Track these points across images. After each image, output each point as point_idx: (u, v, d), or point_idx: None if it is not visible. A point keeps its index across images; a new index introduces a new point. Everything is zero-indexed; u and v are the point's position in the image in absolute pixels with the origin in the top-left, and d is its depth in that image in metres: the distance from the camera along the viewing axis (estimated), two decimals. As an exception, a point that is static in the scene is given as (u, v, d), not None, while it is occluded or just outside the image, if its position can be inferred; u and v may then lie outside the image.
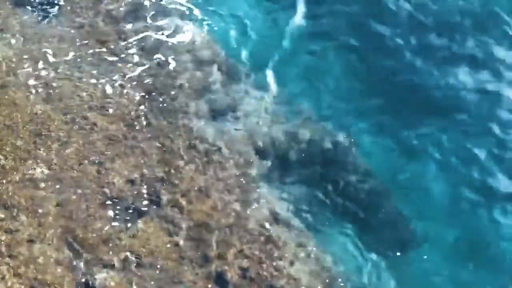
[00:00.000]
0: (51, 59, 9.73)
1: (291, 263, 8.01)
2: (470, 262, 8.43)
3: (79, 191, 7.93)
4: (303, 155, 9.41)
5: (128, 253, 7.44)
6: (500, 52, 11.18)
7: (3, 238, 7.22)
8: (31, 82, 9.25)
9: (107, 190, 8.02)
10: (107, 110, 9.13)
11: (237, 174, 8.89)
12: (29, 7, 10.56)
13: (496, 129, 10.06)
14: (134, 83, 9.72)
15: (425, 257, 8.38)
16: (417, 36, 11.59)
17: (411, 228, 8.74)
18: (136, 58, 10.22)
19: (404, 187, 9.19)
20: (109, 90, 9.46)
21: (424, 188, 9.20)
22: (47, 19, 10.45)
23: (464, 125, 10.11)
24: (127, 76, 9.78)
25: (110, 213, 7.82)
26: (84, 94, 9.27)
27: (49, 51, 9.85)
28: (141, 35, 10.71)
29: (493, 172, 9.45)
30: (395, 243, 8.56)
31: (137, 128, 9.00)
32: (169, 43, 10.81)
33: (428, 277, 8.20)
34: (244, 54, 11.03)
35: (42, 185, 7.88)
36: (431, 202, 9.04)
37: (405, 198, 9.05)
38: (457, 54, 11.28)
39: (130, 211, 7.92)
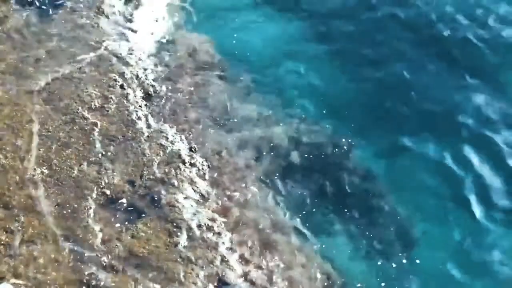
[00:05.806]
0: (52, 58, 9.73)
1: (291, 266, 8.01)
2: (469, 263, 8.44)
3: (79, 191, 7.93)
4: (303, 158, 9.41)
5: (128, 253, 7.43)
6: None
7: (3, 238, 7.21)
8: (32, 81, 9.26)
9: (107, 190, 8.02)
10: (107, 110, 9.13)
11: (237, 177, 8.90)
12: (30, 7, 10.57)
13: (495, 130, 10.11)
14: (134, 84, 9.73)
15: (425, 258, 8.39)
16: (418, 43, 11.65)
17: (411, 230, 8.74)
18: (136, 59, 10.23)
19: (404, 189, 9.20)
20: (109, 90, 9.46)
21: (424, 190, 9.21)
22: (48, 19, 10.45)
23: (464, 127, 10.15)
24: (127, 77, 9.78)
25: (110, 213, 7.81)
26: (84, 94, 9.27)
27: (50, 51, 9.85)
28: (141, 36, 10.74)
29: (492, 173, 9.48)
30: (395, 245, 8.56)
31: (137, 128, 9.00)
32: (169, 46, 10.84)
33: (428, 278, 8.21)
34: (243, 57, 11.04)
35: (42, 185, 7.87)
36: (431, 204, 9.05)
37: (405, 200, 9.06)
38: (459, 59, 11.36)
39: (130, 211, 7.91)
